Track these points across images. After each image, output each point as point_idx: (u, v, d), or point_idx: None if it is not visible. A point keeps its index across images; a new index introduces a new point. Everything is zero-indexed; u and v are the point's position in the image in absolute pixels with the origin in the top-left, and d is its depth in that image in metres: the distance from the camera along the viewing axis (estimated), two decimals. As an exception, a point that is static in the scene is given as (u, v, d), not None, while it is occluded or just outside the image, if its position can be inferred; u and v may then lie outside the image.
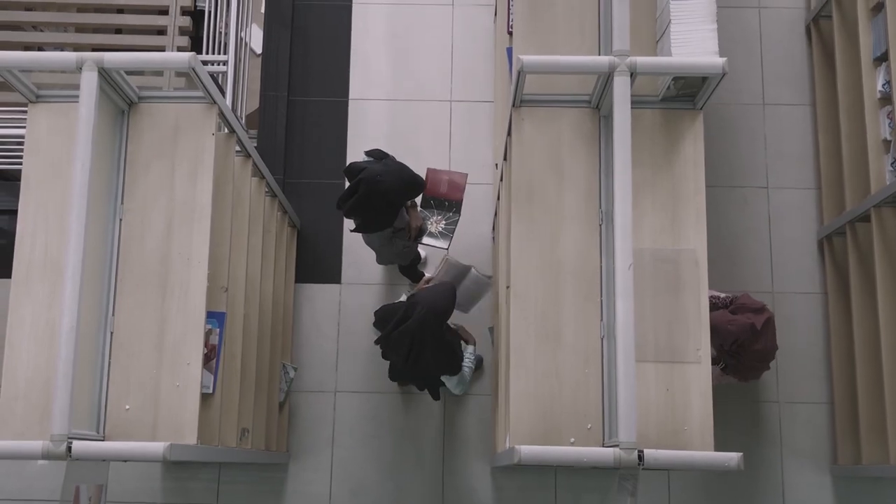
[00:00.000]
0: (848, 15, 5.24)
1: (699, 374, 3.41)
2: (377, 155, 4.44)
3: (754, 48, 5.80)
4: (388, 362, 4.24)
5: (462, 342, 4.32)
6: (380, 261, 5.11)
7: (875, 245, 4.67)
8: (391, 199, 4.26)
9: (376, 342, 4.11)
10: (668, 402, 3.39)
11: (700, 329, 3.44)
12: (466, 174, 4.68)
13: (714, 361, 4.54)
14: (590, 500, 5.18)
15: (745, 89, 5.73)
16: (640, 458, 3.02)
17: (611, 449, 3.07)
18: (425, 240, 4.65)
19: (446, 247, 4.64)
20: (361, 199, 4.22)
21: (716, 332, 4.49)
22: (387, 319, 4.06)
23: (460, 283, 4.40)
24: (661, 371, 3.41)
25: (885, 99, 4.79)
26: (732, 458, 3.10)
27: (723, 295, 4.80)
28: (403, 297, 4.33)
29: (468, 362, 4.25)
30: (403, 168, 4.37)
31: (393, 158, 4.43)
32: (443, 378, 4.21)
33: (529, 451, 3.11)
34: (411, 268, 5.29)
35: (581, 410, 3.39)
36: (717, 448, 3.31)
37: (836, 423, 5.14)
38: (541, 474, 5.21)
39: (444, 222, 4.66)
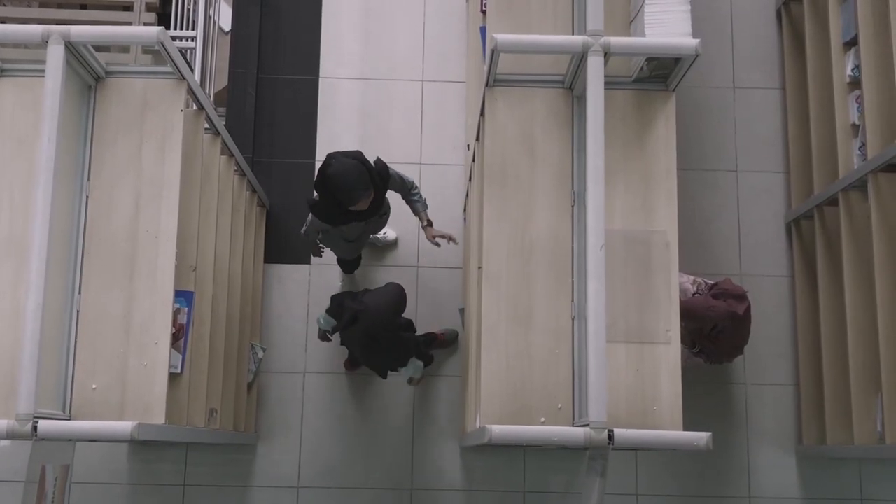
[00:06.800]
0: (818, -1, 5.27)
1: (669, 355, 3.42)
2: (352, 156, 4.23)
3: (725, 32, 5.81)
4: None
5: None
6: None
7: (842, 229, 4.71)
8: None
9: (332, 332, 4.16)
10: (637, 383, 3.40)
11: (670, 310, 3.45)
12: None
13: (685, 343, 4.56)
14: (558, 481, 5.21)
15: (715, 73, 5.74)
16: (610, 437, 3.02)
17: (581, 428, 3.07)
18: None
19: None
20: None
21: (695, 317, 4.51)
22: (339, 314, 4.10)
23: None
24: (631, 351, 3.42)
25: (854, 83, 4.82)
26: (702, 437, 3.11)
27: (710, 282, 4.82)
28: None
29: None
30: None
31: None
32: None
33: (500, 430, 3.11)
34: (352, 263, 5.27)
35: (551, 390, 3.40)
36: (685, 429, 3.33)
37: (802, 404, 5.20)
38: (510, 455, 5.22)
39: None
